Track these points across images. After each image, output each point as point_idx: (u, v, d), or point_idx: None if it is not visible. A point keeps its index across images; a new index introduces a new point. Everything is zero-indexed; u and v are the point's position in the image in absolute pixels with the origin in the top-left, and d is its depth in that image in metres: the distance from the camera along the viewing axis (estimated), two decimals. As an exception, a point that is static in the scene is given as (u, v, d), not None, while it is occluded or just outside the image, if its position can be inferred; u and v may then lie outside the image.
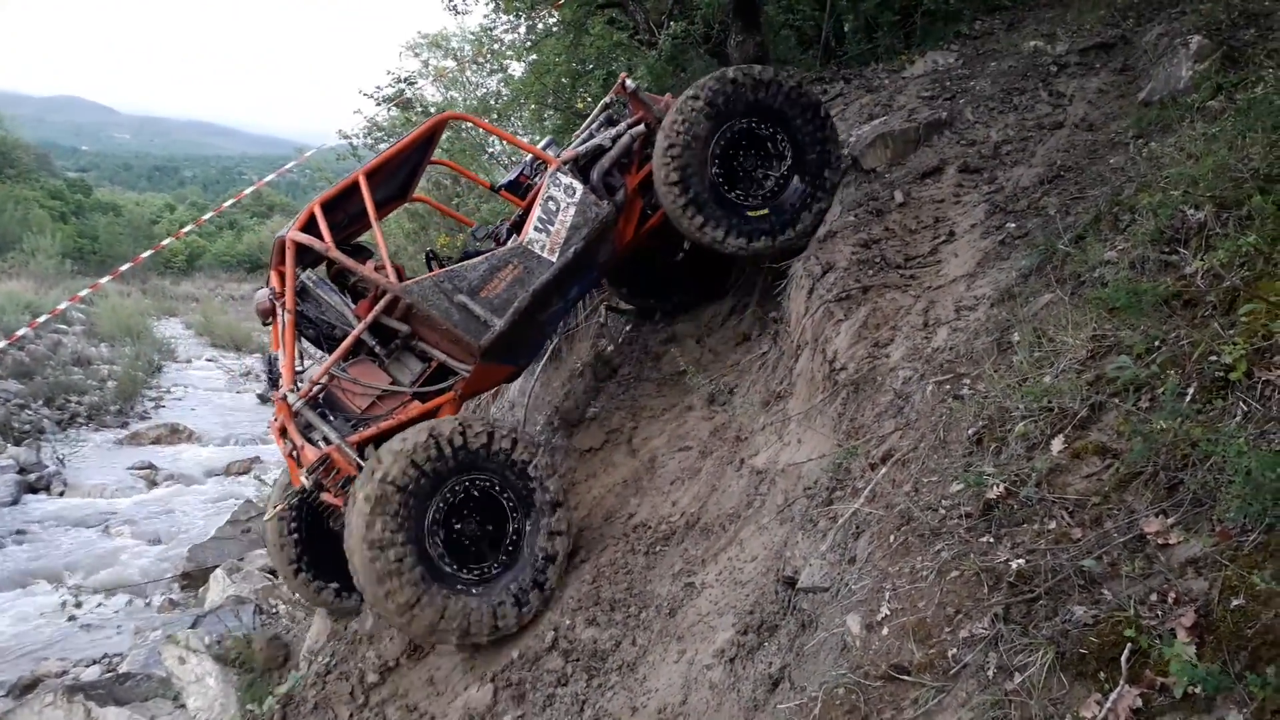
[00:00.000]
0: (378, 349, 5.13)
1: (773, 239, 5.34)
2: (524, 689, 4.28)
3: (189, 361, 27.63)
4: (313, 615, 6.17)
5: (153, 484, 14.66)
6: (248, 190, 14.32)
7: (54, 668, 8.47)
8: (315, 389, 4.88)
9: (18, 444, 15.39)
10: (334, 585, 5.66)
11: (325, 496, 4.85)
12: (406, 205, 6.92)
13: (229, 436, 18.15)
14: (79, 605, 9.78)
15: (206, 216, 14.70)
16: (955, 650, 2.24)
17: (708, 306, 6.87)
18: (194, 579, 10.21)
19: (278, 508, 5.45)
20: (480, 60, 14.01)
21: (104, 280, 11.24)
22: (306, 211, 5.05)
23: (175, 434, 17.79)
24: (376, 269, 5.08)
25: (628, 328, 7.52)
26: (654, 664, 3.91)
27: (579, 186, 5.33)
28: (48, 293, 27.21)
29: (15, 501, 13.21)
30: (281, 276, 4.98)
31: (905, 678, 2.29)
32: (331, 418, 4.87)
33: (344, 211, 5.36)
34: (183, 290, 44.53)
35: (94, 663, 8.54)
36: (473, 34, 14.80)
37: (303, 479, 4.68)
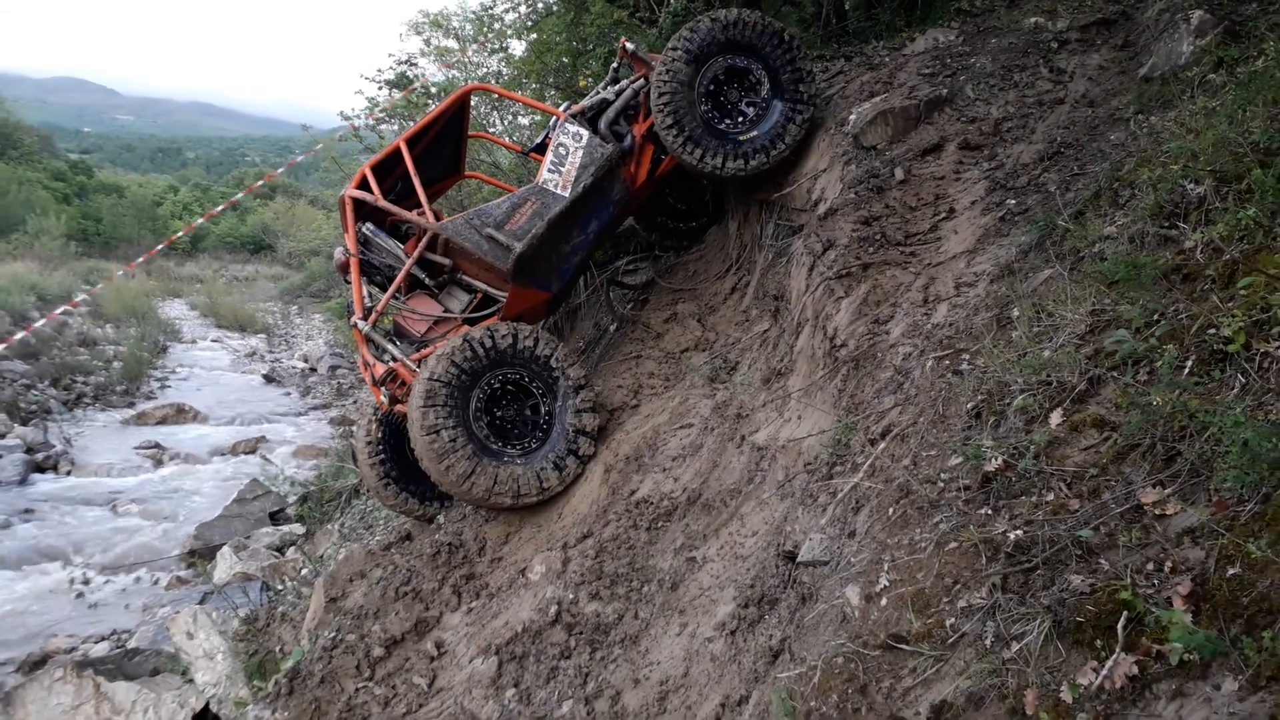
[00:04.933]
0: (428, 281, 6.06)
1: (766, 155, 5.97)
2: (528, 662, 4.32)
3: (194, 342, 27.63)
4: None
5: (159, 463, 14.69)
6: (259, 182, 14.34)
7: (63, 644, 8.54)
8: (378, 316, 5.92)
9: (25, 424, 15.42)
10: (416, 495, 6.58)
11: (398, 408, 5.86)
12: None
13: (235, 416, 18.18)
14: (87, 583, 9.82)
15: (219, 209, 14.70)
16: (953, 620, 2.27)
17: (710, 285, 6.89)
18: (201, 557, 10.27)
19: (369, 425, 6.61)
20: (481, 40, 13.93)
21: (120, 272, 11.33)
22: (359, 174, 6.00)
23: (181, 414, 17.82)
24: (418, 215, 5.91)
25: (629, 306, 7.54)
26: (656, 637, 3.95)
27: (585, 132, 6.07)
28: (52, 274, 27.23)
29: (23, 481, 13.25)
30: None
31: (904, 647, 2.32)
32: (398, 342, 5.92)
33: (397, 178, 6.22)
34: (187, 271, 44.46)
35: (103, 639, 8.60)
36: (474, 13, 14.71)
37: (381, 396, 5.83)
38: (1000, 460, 2.60)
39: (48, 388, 17.67)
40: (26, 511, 12.17)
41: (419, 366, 5.60)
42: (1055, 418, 2.67)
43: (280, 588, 7.73)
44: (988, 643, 2.16)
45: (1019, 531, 2.33)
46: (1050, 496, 2.41)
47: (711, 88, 5.97)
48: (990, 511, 2.50)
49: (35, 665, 7.99)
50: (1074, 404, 2.69)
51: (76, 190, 50.03)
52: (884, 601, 2.48)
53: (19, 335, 9.38)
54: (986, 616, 2.20)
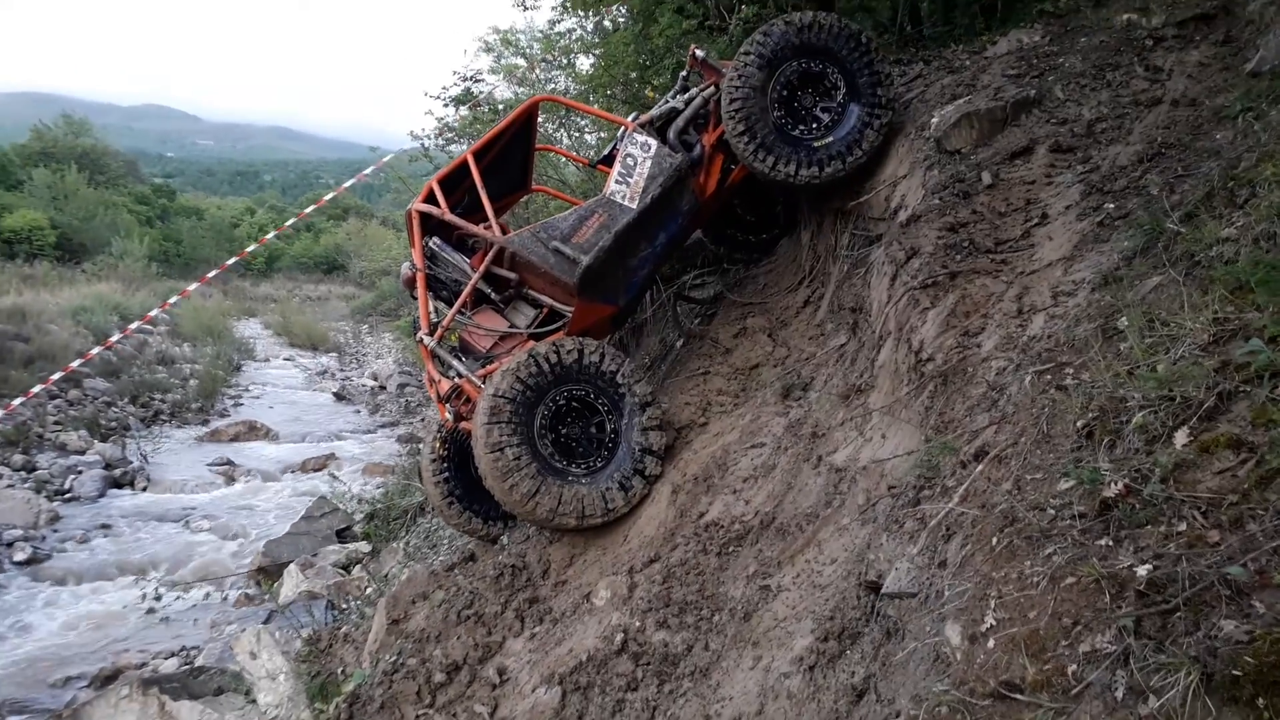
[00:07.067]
0: (494, 296, 5.94)
1: (842, 162, 5.74)
2: (592, 693, 4.11)
3: (267, 360, 28.27)
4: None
5: (231, 480, 14.94)
6: (328, 196, 14.59)
7: (134, 659, 8.62)
8: (444, 332, 5.82)
9: (104, 440, 15.82)
10: (479, 514, 6.46)
11: (463, 425, 5.75)
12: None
13: (305, 434, 18.44)
14: (159, 598, 9.92)
15: (290, 223, 15.09)
16: (1075, 667, 1.99)
17: (781, 298, 6.65)
18: (268, 574, 10.31)
19: (433, 442, 6.54)
20: (548, 58, 13.94)
21: (193, 286, 11.58)
22: (426, 188, 5.96)
23: (253, 431, 18.12)
24: (485, 229, 5.80)
25: (697, 321, 7.34)
26: (728, 670, 3.72)
27: (653, 142, 5.90)
28: (134, 294, 28.06)
29: (101, 496, 13.57)
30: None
31: (1018, 696, 2.05)
32: (464, 358, 5.80)
33: (464, 192, 6.12)
34: (262, 291, 45.62)
35: (172, 655, 8.66)
36: (541, 31, 14.75)
37: (446, 412, 5.76)
38: (1121, 484, 2.32)
39: (127, 405, 18.11)
40: (103, 527, 12.44)
41: (484, 382, 5.46)
42: (1181, 437, 2.38)
43: (344, 607, 7.67)
44: (1119, 695, 1.88)
45: (1148, 566, 2.05)
46: (1183, 526, 2.12)
47: (784, 93, 5.75)
48: (1111, 543, 2.22)
49: (107, 679, 8.08)
50: (1202, 422, 2.40)
51: (159, 213, 51.70)
52: (991, 643, 2.22)
53: (95, 350, 9.56)
54: (1116, 664, 1.92)
